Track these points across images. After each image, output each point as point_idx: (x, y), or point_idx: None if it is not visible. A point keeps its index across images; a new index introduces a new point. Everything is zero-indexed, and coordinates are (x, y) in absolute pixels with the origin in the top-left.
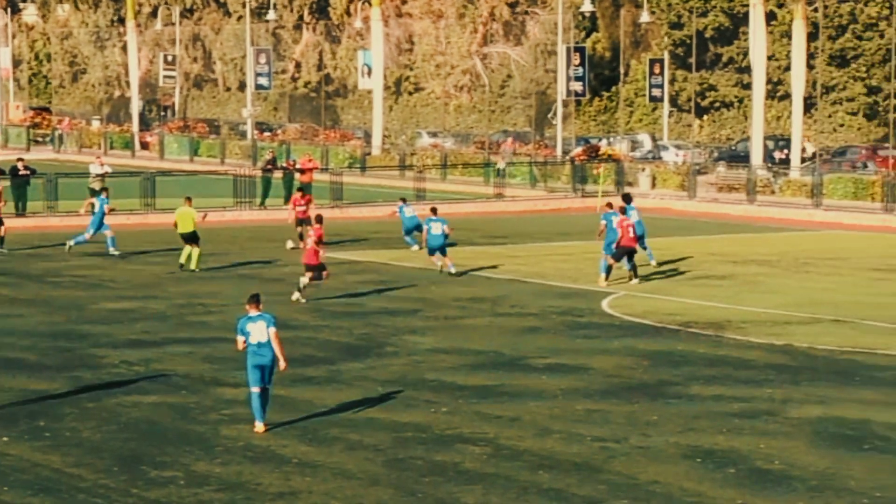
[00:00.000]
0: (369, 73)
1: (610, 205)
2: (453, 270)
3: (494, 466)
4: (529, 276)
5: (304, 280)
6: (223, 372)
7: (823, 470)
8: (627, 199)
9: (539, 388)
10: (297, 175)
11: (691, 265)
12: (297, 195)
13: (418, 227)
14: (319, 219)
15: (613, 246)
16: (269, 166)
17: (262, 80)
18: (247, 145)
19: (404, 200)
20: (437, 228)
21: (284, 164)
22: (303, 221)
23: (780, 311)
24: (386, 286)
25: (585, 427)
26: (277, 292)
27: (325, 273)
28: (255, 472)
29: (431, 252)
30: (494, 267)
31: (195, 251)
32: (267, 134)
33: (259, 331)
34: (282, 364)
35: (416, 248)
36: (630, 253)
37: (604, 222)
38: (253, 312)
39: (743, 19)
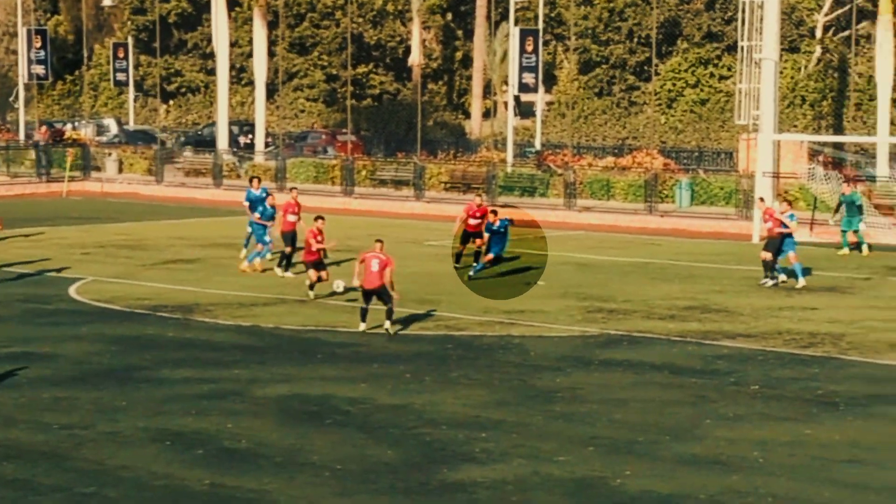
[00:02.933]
0: None
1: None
2: None
3: None
4: None
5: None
6: None
7: (289, 446)
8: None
9: (2, 379)
10: None
11: (160, 249)
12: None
13: None
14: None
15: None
16: None
17: None
18: None
19: None
20: None
21: None
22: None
23: (247, 293)
24: None
25: (53, 415)
26: None
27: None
28: None
29: None
30: None
31: None
32: None
33: None
34: None
35: None
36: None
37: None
38: None
39: (206, 6)
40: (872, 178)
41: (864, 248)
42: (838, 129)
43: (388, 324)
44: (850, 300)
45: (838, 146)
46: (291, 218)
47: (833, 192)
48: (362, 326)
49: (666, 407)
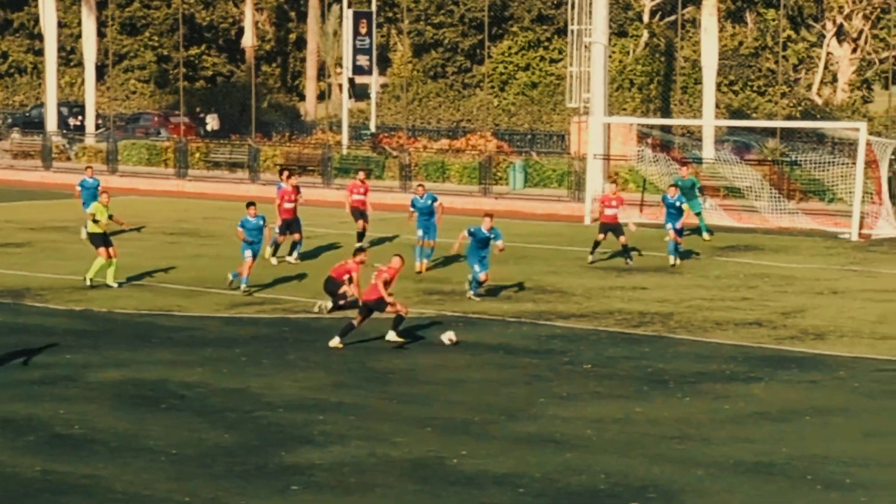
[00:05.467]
0: None
1: None
2: None
3: None
4: None
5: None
6: None
7: (124, 431)
8: None
9: None
10: None
11: None
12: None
13: None
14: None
15: None
16: None
17: None
18: None
19: None
20: None
21: None
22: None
23: (79, 277)
24: None
25: None
26: None
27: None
28: None
29: None
30: None
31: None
32: None
33: None
34: None
35: None
36: None
37: None
38: None
39: None
40: (699, 161)
41: (706, 233)
42: (666, 112)
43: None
44: (679, 280)
45: (666, 129)
46: (288, 205)
47: (661, 174)
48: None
49: (501, 387)
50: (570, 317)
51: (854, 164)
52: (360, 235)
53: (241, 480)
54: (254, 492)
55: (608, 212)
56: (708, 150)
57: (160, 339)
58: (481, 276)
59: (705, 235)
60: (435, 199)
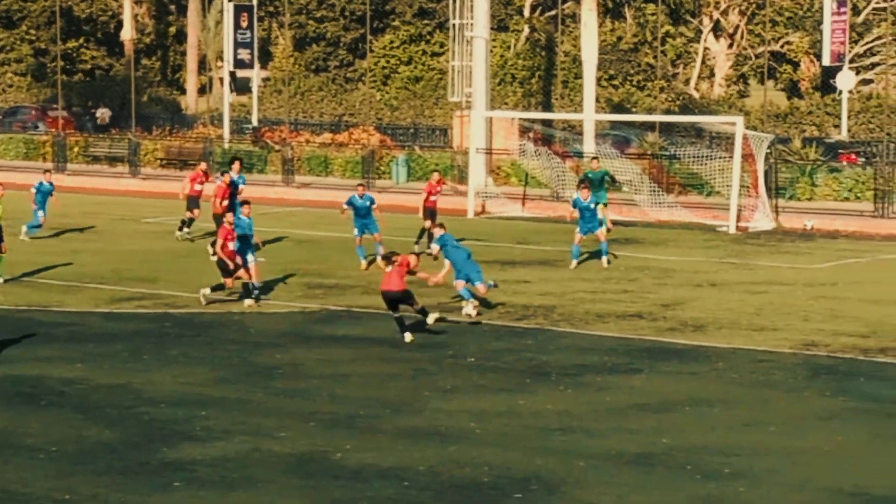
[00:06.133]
0: None
1: None
2: None
3: None
4: None
5: None
6: None
7: (2, 429)
8: None
9: None
10: None
11: None
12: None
13: None
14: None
15: None
16: None
17: None
18: None
19: None
20: None
21: None
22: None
23: None
24: None
25: None
26: None
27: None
28: None
29: None
30: None
31: None
32: None
33: None
34: None
35: None
36: None
37: None
38: None
39: None
40: (580, 155)
41: (605, 225)
42: (547, 107)
43: (430, 318)
44: (561, 273)
45: (547, 123)
46: (198, 187)
47: (543, 167)
48: (408, 337)
49: (386, 381)
50: (455, 310)
51: (731, 157)
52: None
53: (122, 477)
54: (135, 488)
55: (433, 198)
56: (589, 145)
57: (39, 335)
58: (480, 289)
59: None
60: (373, 202)
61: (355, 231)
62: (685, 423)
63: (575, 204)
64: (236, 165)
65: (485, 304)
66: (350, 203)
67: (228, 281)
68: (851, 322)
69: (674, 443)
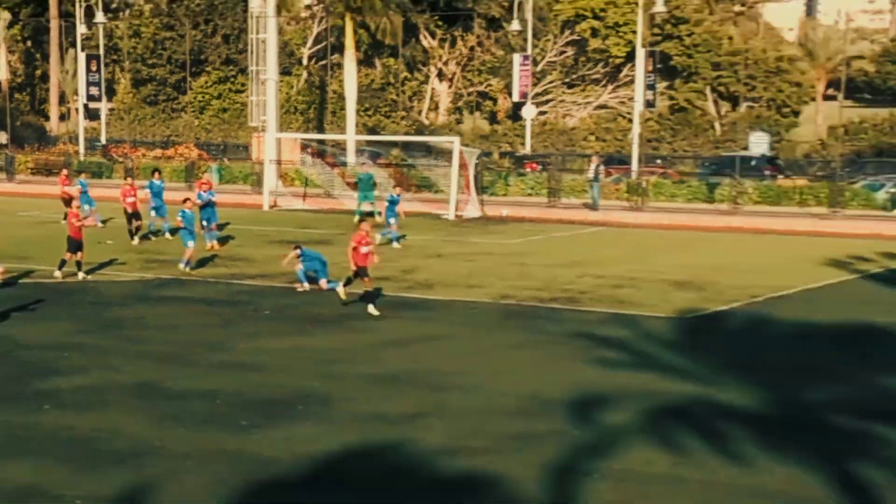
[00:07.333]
0: None
1: None
2: None
3: None
4: None
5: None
6: None
7: None
8: None
9: None
10: None
11: None
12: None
13: None
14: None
15: None
16: None
17: None
18: None
19: None
20: None
21: None
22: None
23: None
24: None
25: None
26: None
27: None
28: None
29: None
30: None
31: None
32: None
33: None
34: None
35: None
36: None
37: None
38: None
39: None
40: (344, 164)
41: (377, 215)
42: (321, 129)
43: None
44: (333, 248)
45: (321, 142)
46: (130, 199)
47: (318, 173)
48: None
49: (204, 329)
50: (255, 276)
51: (451, 165)
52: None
53: (3, 403)
54: (15, 412)
55: (129, 199)
56: (350, 157)
57: None
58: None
59: (376, 217)
60: (212, 195)
61: (204, 223)
62: (420, 353)
63: (390, 199)
64: (156, 175)
65: (272, 273)
66: (199, 197)
67: (69, 255)
68: (532, 280)
69: (412, 367)
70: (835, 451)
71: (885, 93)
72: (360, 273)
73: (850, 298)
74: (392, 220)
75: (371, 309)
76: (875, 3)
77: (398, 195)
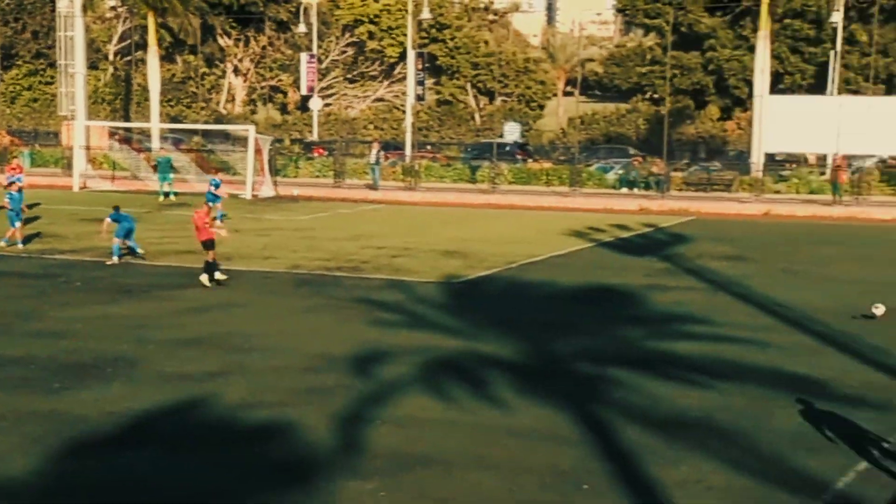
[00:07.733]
0: None
1: None
2: None
3: None
4: None
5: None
6: None
7: None
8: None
9: None
10: None
11: None
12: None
13: None
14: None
15: None
16: None
17: None
18: None
19: None
20: None
21: None
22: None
23: None
24: None
25: None
26: None
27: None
28: None
29: None
30: None
31: None
32: None
33: None
34: None
35: None
36: None
37: None
38: None
39: None
40: (149, 149)
41: (171, 196)
42: (127, 118)
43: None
44: (144, 225)
45: (128, 129)
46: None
47: (125, 157)
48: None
49: (18, 299)
50: (66, 252)
51: (247, 151)
52: None
53: None
54: None
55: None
56: (155, 143)
57: None
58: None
59: (172, 197)
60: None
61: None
62: (221, 318)
63: (212, 182)
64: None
65: (82, 248)
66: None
67: None
68: (321, 252)
69: (214, 331)
70: (579, 394)
71: (612, 90)
72: (206, 246)
73: (588, 263)
74: (214, 203)
75: (203, 278)
76: (602, 15)
77: (220, 179)
